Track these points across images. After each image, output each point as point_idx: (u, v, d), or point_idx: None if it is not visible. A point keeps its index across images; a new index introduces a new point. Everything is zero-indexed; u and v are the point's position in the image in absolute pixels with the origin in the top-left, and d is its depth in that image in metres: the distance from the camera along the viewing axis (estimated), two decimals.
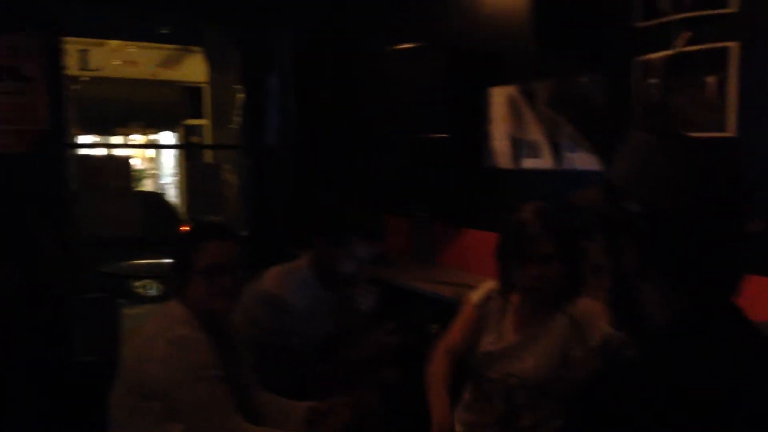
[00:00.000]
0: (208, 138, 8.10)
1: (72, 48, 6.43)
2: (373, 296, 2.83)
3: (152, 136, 9.64)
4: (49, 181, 3.54)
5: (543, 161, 2.97)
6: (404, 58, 3.49)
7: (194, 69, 7.93)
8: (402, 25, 3.77)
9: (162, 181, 10.13)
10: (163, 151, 10.22)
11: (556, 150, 2.92)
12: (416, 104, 3.41)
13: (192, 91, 8.30)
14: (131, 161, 8.28)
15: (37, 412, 3.12)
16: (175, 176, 9.52)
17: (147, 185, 9.64)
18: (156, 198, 7.91)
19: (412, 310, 3.02)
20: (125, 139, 9.39)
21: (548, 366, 1.97)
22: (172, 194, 9.12)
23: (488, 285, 2.16)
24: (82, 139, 7.86)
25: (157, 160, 10.40)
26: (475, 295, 2.15)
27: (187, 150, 8.85)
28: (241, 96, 4.53)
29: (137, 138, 9.53)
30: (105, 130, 9.03)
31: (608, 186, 1.04)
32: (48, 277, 3.37)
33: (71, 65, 6.13)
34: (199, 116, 8.28)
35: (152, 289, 6.76)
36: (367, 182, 3.97)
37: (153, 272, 4.99)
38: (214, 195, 6.58)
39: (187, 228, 6.56)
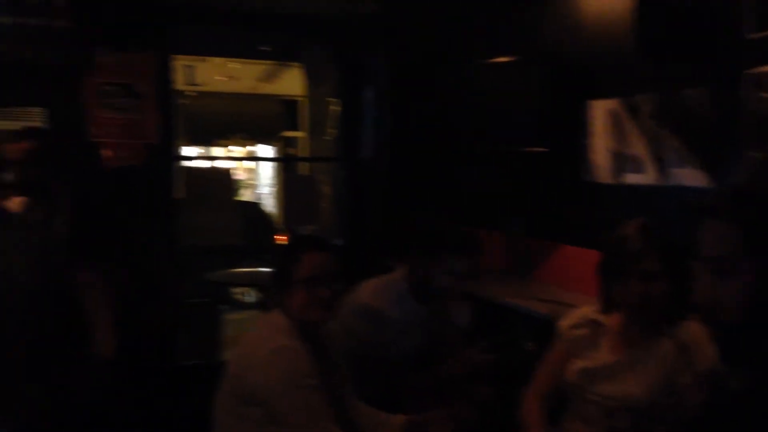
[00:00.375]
0: (303, 150, 8.30)
1: (179, 64, 6.74)
2: (467, 311, 2.82)
3: (251, 148, 9.95)
4: (157, 192, 3.73)
5: (646, 176, 2.87)
6: (501, 71, 3.46)
7: (292, 83, 8.15)
8: (499, 38, 3.75)
9: (260, 191, 10.44)
10: (261, 162, 10.55)
11: (660, 165, 2.81)
12: (513, 118, 3.38)
13: (289, 105, 8.54)
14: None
15: (142, 414, 3.26)
16: (272, 187, 9.79)
17: (245, 195, 9.96)
18: (254, 208, 8.16)
19: (508, 327, 2.98)
20: (226, 151, 9.74)
21: (653, 390, 1.90)
22: (269, 204, 9.38)
23: (578, 313, 2.12)
24: (186, 151, 8.22)
25: (255, 171, 10.74)
26: (563, 325, 2.12)
27: (284, 162, 9.09)
28: (336, 109, 4.62)
29: (237, 149, 9.87)
30: (207, 142, 9.40)
31: (724, 201, 1.00)
32: (156, 282, 3.54)
33: (178, 81, 6.43)
34: (295, 129, 8.50)
35: (250, 296, 6.97)
36: (462, 196, 3.96)
37: (252, 281, 5.15)
38: (309, 206, 6.73)
39: (283, 238, 6.73)
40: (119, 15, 3.60)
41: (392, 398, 2.35)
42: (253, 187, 10.60)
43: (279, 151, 9.17)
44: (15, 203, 2.82)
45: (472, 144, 3.89)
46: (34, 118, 3.46)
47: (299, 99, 8.25)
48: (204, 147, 9.54)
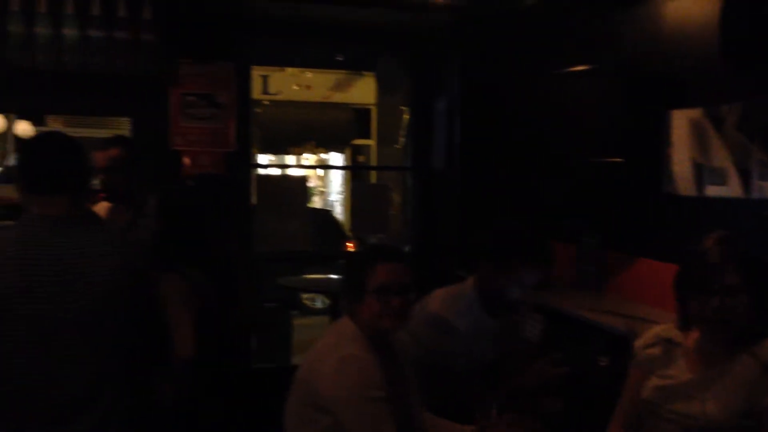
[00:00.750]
0: (373, 157, 8.37)
1: (255, 74, 6.91)
2: (539, 325, 2.77)
3: (322, 156, 10.10)
4: (235, 199, 3.83)
5: (729, 189, 2.77)
6: (578, 80, 3.41)
7: (363, 91, 8.24)
8: (575, 47, 3.69)
9: (330, 199, 10.58)
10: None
11: (745, 177, 2.71)
12: (590, 127, 3.32)
13: (360, 113, 8.63)
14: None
15: (218, 417, 3.34)
16: (342, 194, 9.90)
17: (316, 202, 10.11)
18: (325, 215, 8.27)
19: (581, 341, 2.92)
20: (297, 159, 9.92)
21: (731, 410, 1.83)
22: (338, 211, 9.49)
23: (651, 332, 2.07)
24: (259, 158, 8.42)
25: (325, 178, 10.89)
26: (637, 346, 2.07)
27: (356, 170, 9.19)
28: (406, 117, 4.64)
29: (309, 157, 10.04)
30: (280, 150, 9.59)
31: None
32: (233, 286, 3.63)
33: (254, 90, 6.59)
34: (366, 137, 8.59)
35: (318, 301, 7.07)
36: (535, 206, 3.90)
37: (322, 287, 5.22)
38: (378, 214, 6.77)
39: (352, 245, 6.77)
40: (202, 28, 3.73)
41: (461, 409, 2.33)
42: (324, 194, 10.75)
43: (348, 159, 9.27)
44: (101, 208, 2.96)
45: (546, 154, 3.84)
46: (121, 127, 3.62)
47: (370, 107, 8.34)
48: (277, 155, 9.73)
